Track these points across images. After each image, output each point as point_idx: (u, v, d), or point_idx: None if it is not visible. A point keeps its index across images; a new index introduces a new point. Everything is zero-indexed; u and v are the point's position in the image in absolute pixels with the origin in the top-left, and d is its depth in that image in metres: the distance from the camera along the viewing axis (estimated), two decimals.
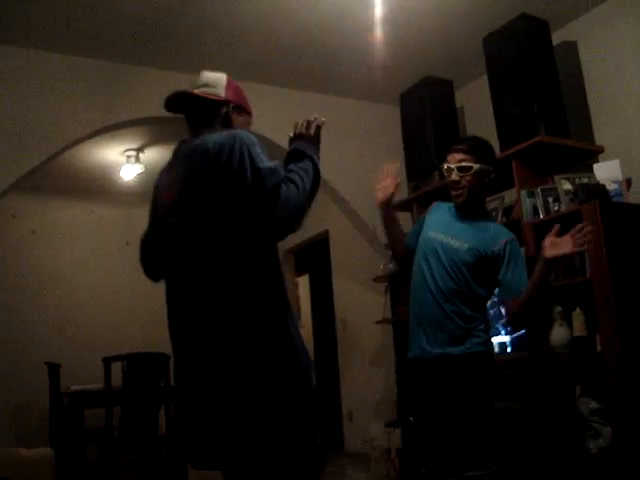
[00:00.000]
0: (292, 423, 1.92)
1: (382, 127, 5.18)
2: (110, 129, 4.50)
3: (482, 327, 2.66)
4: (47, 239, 6.70)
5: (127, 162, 5.98)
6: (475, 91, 4.84)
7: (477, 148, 2.73)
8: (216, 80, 2.23)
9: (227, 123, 2.15)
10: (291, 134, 2.18)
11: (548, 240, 2.51)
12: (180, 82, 4.58)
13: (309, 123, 2.18)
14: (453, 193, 2.74)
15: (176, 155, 2.23)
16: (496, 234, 2.69)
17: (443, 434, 2.59)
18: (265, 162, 1.91)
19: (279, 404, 1.90)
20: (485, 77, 4.18)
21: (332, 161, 5.07)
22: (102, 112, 4.34)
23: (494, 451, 2.59)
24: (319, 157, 2.14)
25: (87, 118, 4.29)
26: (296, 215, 1.94)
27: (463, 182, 2.68)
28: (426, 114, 4.61)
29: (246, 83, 4.71)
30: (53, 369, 5.48)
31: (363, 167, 5.08)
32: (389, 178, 2.87)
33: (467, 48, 4.38)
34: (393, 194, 2.89)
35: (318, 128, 2.19)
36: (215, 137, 1.97)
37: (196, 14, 3.92)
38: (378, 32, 4.10)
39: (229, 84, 2.23)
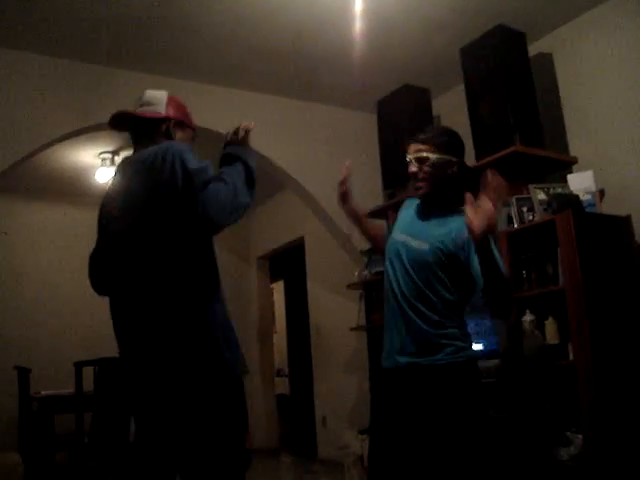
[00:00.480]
0: (214, 420, 1.97)
1: (359, 134, 5.20)
2: (86, 131, 4.46)
3: (456, 334, 2.35)
4: (18, 241, 6.61)
5: (102, 165, 5.93)
6: (452, 100, 4.88)
7: (436, 137, 2.48)
8: (157, 98, 2.35)
9: (169, 138, 2.26)
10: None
11: (471, 212, 2.07)
12: (159, 86, 4.59)
13: (237, 130, 2.26)
14: (414, 186, 2.50)
15: (118, 170, 2.33)
16: (460, 227, 2.28)
17: (405, 454, 2.30)
18: (195, 163, 2.02)
19: (199, 400, 1.97)
20: (462, 86, 4.22)
21: (308, 167, 5.10)
22: (78, 114, 4.29)
23: None
24: (251, 157, 2.23)
25: (63, 120, 4.25)
26: (227, 209, 1.97)
27: (421, 174, 2.43)
28: (403, 122, 4.63)
29: (226, 89, 4.79)
30: (23, 373, 5.39)
31: (339, 174, 5.09)
32: (343, 174, 2.78)
33: (445, 58, 4.42)
34: (346, 188, 2.75)
35: (247, 132, 2.27)
36: (150, 149, 2.12)
37: (176, 19, 3.91)
38: (357, 40, 4.12)
39: (170, 101, 2.36)
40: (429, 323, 2.34)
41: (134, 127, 2.34)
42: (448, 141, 2.50)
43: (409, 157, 2.48)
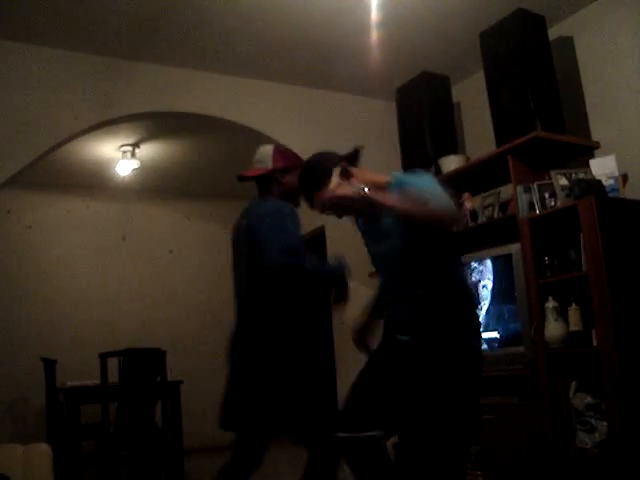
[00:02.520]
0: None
1: (379, 123, 5.17)
2: (106, 124, 4.48)
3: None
4: (42, 234, 6.68)
5: (123, 157, 5.97)
6: (471, 86, 4.84)
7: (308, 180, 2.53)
8: (263, 155, 2.89)
9: (280, 186, 2.84)
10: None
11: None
12: (176, 77, 4.63)
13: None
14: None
15: (246, 209, 2.92)
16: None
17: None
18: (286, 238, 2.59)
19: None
20: (482, 72, 4.18)
21: None
22: (98, 107, 4.32)
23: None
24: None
25: (83, 113, 4.27)
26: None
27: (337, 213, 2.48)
28: (422, 109, 4.61)
29: (243, 79, 4.79)
30: (49, 365, 5.47)
31: (359, 162, 5.08)
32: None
33: (464, 43, 4.38)
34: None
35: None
36: (259, 208, 2.79)
37: (194, 10, 3.91)
38: (375, 28, 4.09)
39: (275, 153, 2.88)
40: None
41: (256, 180, 2.90)
42: (315, 177, 2.46)
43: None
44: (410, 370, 2.24)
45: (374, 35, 4.15)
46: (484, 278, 4.05)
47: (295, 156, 2.97)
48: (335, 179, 2.28)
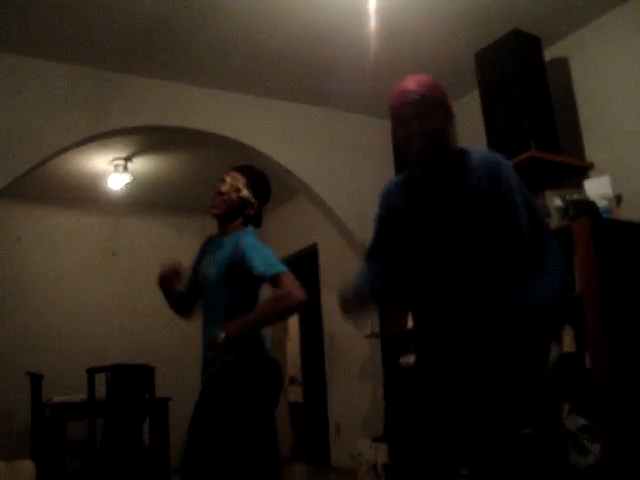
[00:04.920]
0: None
1: (374, 140, 5.17)
2: (98, 138, 4.46)
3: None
4: (32, 247, 6.62)
5: (115, 171, 5.94)
6: (466, 105, 4.83)
7: (253, 178, 2.78)
8: None
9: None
10: None
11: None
12: (170, 92, 4.62)
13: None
14: (213, 202, 2.73)
15: None
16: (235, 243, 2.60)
17: None
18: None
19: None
20: (477, 92, 4.19)
21: (321, 173, 5.08)
22: (91, 120, 4.30)
23: None
24: None
25: (76, 126, 4.25)
26: None
27: (225, 197, 2.69)
28: None
29: (237, 95, 4.78)
30: (35, 379, 5.40)
31: (353, 180, 5.07)
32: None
33: (459, 63, 4.39)
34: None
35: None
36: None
37: (188, 25, 3.91)
38: (371, 46, 4.10)
39: None
40: None
41: None
42: (261, 186, 2.79)
43: (226, 178, 2.76)
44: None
45: (370, 53, 4.15)
46: None
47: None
48: None
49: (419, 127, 2.02)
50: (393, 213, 2.20)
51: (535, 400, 2.01)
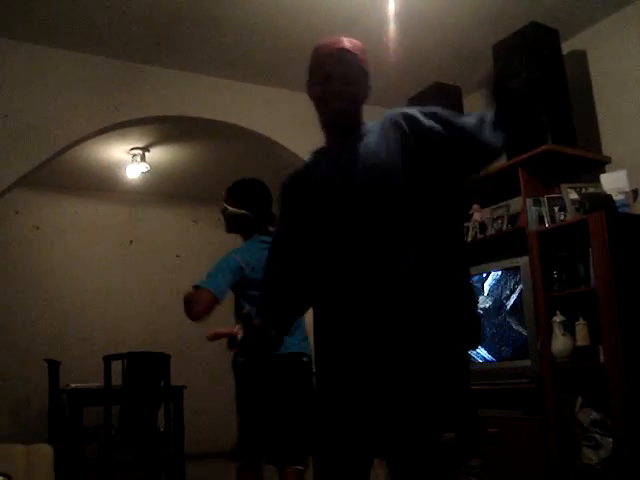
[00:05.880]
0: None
1: None
2: (117, 127, 4.49)
3: None
4: (50, 236, 6.69)
5: (132, 161, 5.98)
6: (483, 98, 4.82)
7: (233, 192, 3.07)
8: None
9: None
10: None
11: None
12: (188, 82, 4.64)
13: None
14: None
15: None
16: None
17: None
18: None
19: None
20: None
21: None
22: (109, 110, 4.33)
23: None
24: None
25: (94, 116, 4.28)
26: None
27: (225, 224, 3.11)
28: None
29: (255, 86, 4.80)
30: (53, 366, 5.47)
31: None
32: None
33: (476, 55, 4.36)
34: None
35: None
36: None
37: (207, 16, 3.92)
38: (389, 37, 4.09)
39: None
40: None
41: None
42: (240, 194, 3.04)
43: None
44: None
45: (388, 45, 4.14)
46: (492, 290, 4.03)
47: None
48: None
49: (344, 89, 1.85)
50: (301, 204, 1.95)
51: (457, 400, 1.68)
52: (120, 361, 4.69)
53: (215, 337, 1.84)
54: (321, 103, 1.90)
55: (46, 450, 3.06)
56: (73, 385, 5.19)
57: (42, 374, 5.57)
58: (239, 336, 1.74)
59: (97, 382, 4.91)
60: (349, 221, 1.77)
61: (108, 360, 4.69)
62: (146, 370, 4.76)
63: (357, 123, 1.91)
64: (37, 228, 6.64)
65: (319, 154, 2.03)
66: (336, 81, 1.84)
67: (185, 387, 5.27)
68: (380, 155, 1.78)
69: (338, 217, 1.80)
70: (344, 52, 1.87)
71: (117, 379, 4.71)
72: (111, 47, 4.22)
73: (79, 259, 6.77)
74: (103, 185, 6.80)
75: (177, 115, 4.58)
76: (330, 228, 1.81)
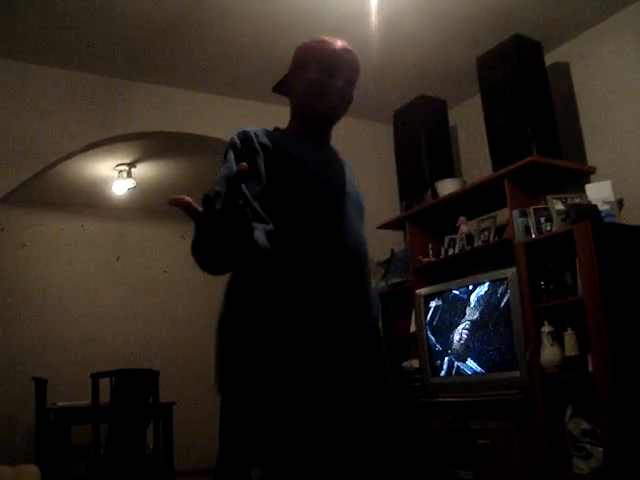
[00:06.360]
0: None
1: (375, 145, 5.19)
2: (103, 143, 4.48)
3: None
4: (37, 253, 6.64)
5: (119, 177, 5.96)
6: (468, 110, 4.86)
7: None
8: None
9: None
10: None
11: None
12: (173, 97, 4.64)
13: None
14: None
15: None
16: None
17: None
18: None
19: None
20: (478, 97, 4.20)
21: None
22: (95, 126, 4.32)
23: None
24: None
25: (80, 132, 4.27)
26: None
27: None
28: (419, 133, 4.62)
29: (241, 100, 4.80)
30: (40, 384, 5.41)
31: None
32: None
33: (461, 68, 4.41)
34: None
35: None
36: None
37: (193, 32, 3.93)
38: (373, 51, 4.11)
39: None
40: None
41: None
42: None
43: None
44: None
45: (373, 59, 4.16)
46: (479, 302, 4.03)
47: None
48: None
49: (344, 89, 1.90)
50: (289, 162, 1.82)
51: (257, 432, 1.50)
52: (108, 378, 4.65)
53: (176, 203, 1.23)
54: (314, 91, 1.88)
55: (33, 471, 3.03)
56: (60, 403, 5.14)
57: (29, 393, 5.50)
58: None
59: (85, 400, 4.86)
60: (347, 222, 1.79)
61: (96, 378, 4.64)
62: (134, 387, 4.71)
63: (331, 127, 1.97)
64: (23, 245, 6.60)
65: (290, 136, 1.95)
66: (339, 78, 1.87)
67: (174, 403, 5.23)
68: (355, 188, 1.92)
69: (338, 217, 1.79)
70: (350, 53, 1.91)
71: (105, 397, 4.66)
72: (96, 64, 4.22)
73: (66, 276, 6.73)
74: (90, 201, 6.77)
75: (163, 131, 4.58)
76: (327, 217, 1.77)
